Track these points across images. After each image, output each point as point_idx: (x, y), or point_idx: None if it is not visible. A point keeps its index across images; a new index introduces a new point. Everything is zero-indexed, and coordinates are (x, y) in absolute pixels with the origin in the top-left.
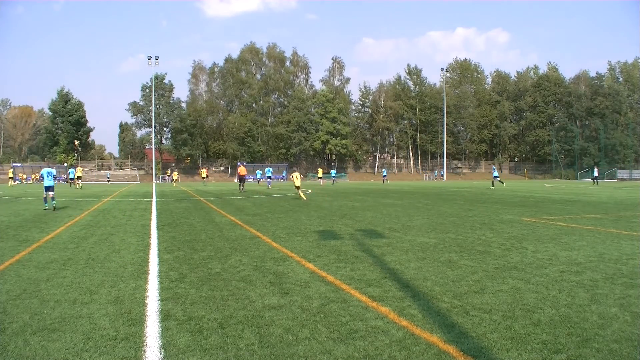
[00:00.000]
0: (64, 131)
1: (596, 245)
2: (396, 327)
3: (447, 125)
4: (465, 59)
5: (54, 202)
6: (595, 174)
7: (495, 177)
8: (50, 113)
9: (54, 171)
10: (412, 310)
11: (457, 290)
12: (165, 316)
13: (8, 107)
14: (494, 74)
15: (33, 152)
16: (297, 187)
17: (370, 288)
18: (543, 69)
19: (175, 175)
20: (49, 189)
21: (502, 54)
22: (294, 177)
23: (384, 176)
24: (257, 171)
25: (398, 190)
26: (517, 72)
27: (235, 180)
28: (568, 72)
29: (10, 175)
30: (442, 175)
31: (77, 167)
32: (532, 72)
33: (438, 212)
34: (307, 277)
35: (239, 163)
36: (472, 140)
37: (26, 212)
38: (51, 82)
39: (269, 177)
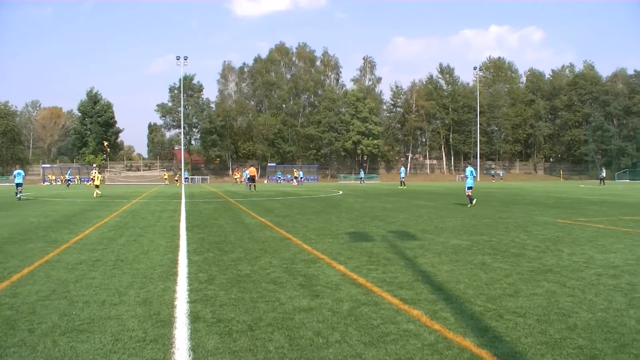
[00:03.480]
0: (92, 132)
1: (634, 248)
2: (428, 331)
3: (480, 124)
4: (499, 58)
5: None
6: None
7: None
8: (79, 114)
9: (22, 172)
10: (445, 314)
11: (490, 294)
12: (194, 318)
13: (37, 108)
14: (528, 73)
15: (62, 153)
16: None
17: (402, 291)
18: (579, 67)
19: (164, 175)
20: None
21: (537, 52)
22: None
23: (402, 178)
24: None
25: (430, 191)
26: (552, 70)
27: (244, 180)
28: (605, 70)
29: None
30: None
31: (95, 170)
32: (567, 70)
33: (471, 213)
34: (337, 280)
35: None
36: (506, 140)
37: (55, 212)
38: (80, 83)
39: (297, 178)
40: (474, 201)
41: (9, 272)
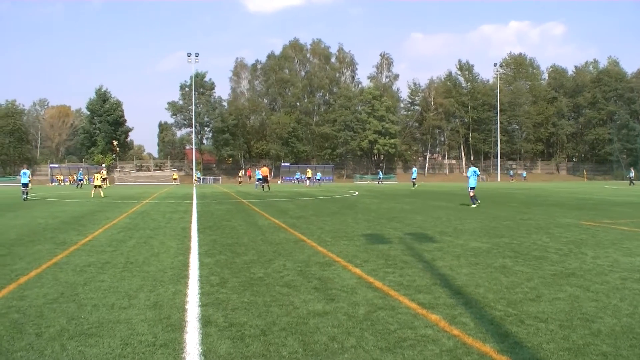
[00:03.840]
0: (102, 131)
1: None
2: (447, 336)
3: (501, 123)
4: (520, 54)
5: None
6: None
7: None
8: (88, 113)
9: (28, 172)
10: (464, 319)
11: (511, 298)
12: (205, 322)
13: (45, 106)
14: (550, 69)
15: (70, 152)
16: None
17: (419, 295)
18: (603, 63)
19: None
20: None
21: (559, 47)
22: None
23: (414, 178)
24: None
25: (449, 192)
26: (575, 66)
27: (257, 183)
28: (630, 66)
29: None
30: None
31: (101, 170)
32: (591, 66)
33: (491, 215)
34: (353, 283)
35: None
36: (528, 139)
37: (63, 213)
38: (89, 80)
39: (313, 179)
40: (477, 202)
41: (17, 275)
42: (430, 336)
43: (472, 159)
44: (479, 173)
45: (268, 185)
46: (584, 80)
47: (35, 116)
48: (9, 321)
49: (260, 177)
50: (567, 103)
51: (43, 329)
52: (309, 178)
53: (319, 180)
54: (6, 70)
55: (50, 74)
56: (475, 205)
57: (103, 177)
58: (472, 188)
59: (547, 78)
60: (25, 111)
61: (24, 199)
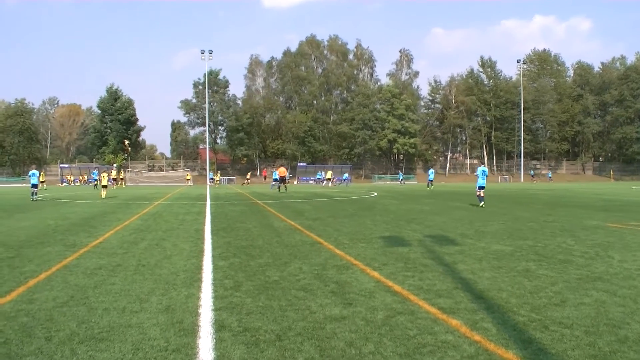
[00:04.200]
0: (113, 130)
1: None
2: (468, 342)
3: (524, 121)
4: (544, 50)
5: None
6: None
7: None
8: (99, 111)
9: (36, 172)
10: (486, 324)
11: (535, 303)
12: (219, 327)
13: (55, 105)
14: (576, 66)
15: (81, 152)
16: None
17: (440, 299)
18: (630, 59)
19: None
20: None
21: (585, 43)
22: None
23: (430, 180)
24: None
25: (470, 192)
26: (602, 63)
27: (272, 183)
28: None
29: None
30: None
31: (111, 170)
32: (618, 62)
33: (514, 216)
34: (371, 287)
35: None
36: (552, 138)
37: (73, 215)
38: (100, 78)
39: (334, 179)
40: (482, 203)
41: (26, 277)
42: (450, 342)
43: (494, 158)
44: (487, 173)
45: (285, 186)
46: (611, 77)
47: (45, 115)
48: (18, 325)
49: (277, 177)
50: (593, 101)
51: (53, 332)
52: (328, 179)
53: (345, 180)
54: (15, 68)
55: (61, 72)
56: (482, 205)
57: (120, 177)
58: (481, 188)
59: (572, 75)
60: (35, 110)
61: (32, 200)
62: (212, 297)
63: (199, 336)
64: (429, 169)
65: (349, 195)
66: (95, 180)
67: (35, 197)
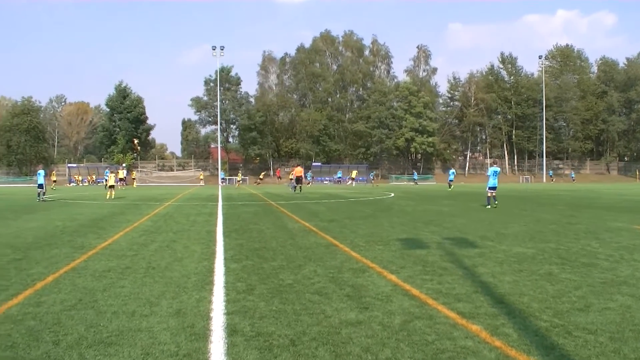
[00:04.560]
0: (122, 129)
1: None
2: (488, 348)
3: (546, 120)
4: (567, 45)
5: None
6: None
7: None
8: (108, 109)
9: (43, 172)
10: (507, 329)
11: (557, 308)
12: (231, 331)
13: (63, 103)
14: (600, 62)
15: (89, 151)
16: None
17: (459, 303)
18: None
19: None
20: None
21: (609, 38)
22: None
23: (450, 180)
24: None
25: None
26: (627, 58)
27: (287, 184)
28: None
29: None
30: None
31: (118, 170)
32: None
33: (536, 218)
34: (388, 291)
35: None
36: (576, 137)
37: (81, 216)
38: (108, 76)
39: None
40: (490, 204)
41: (33, 280)
42: (470, 348)
43: (515, 158)
44: (499, 173)
45: (300, 187)
46: (637, 73)
47: (52, 113)
48: (25, 328)
49: (295, 177)
50: (618, 98)
51: (60, 336)
52: (352, 179)
53: (371, 177)
54: (22, 66)
55: (68, 70)
56: (489, 207)
57: (132, 176)
58: (492, 188)
59: (596, 71)
60: (42, 108)
61: (38, 201)
62: (224, 301)
63: (210, 341)
64: (449, 168)
65: (365, 196)
66: (106, 179)
67: (41, 197)
